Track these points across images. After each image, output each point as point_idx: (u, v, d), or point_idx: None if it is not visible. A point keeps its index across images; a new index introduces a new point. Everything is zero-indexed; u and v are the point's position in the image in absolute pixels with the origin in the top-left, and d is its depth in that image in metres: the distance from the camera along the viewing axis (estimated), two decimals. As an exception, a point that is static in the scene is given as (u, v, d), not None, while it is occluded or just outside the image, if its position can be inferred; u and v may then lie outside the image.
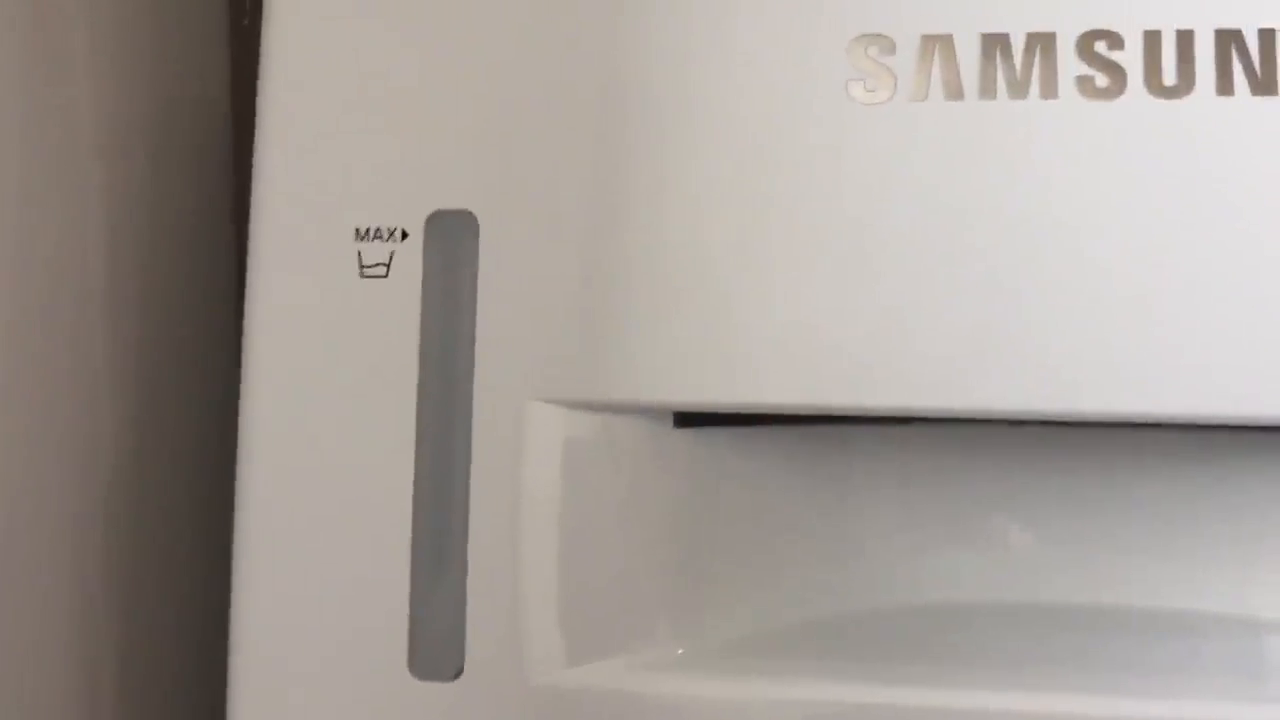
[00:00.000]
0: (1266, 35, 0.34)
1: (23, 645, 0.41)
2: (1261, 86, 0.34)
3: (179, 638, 0.48)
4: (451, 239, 0.37)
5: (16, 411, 0.41)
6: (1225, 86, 0.34)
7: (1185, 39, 0.35)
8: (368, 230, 0.37)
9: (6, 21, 0.40)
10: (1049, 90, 0.35)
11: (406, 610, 0.36)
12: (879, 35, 0.36)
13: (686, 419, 0.38)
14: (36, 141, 0.41)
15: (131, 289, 0.45)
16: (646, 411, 0.37)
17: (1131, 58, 0.35)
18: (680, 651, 0.38)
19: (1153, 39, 0.35)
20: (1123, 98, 0.35)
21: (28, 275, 0.41)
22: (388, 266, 0.37)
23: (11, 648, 0.40)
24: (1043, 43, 0.35)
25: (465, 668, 0.36)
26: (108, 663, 0.45)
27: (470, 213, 0.37)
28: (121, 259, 0.45)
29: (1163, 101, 0.35)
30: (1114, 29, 0.35)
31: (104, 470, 0.44)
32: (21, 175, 0.41)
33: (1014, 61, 0.35)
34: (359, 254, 0.37)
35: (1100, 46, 0.35)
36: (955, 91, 0.35)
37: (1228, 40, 0.35)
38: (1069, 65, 0.35)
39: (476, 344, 0.36)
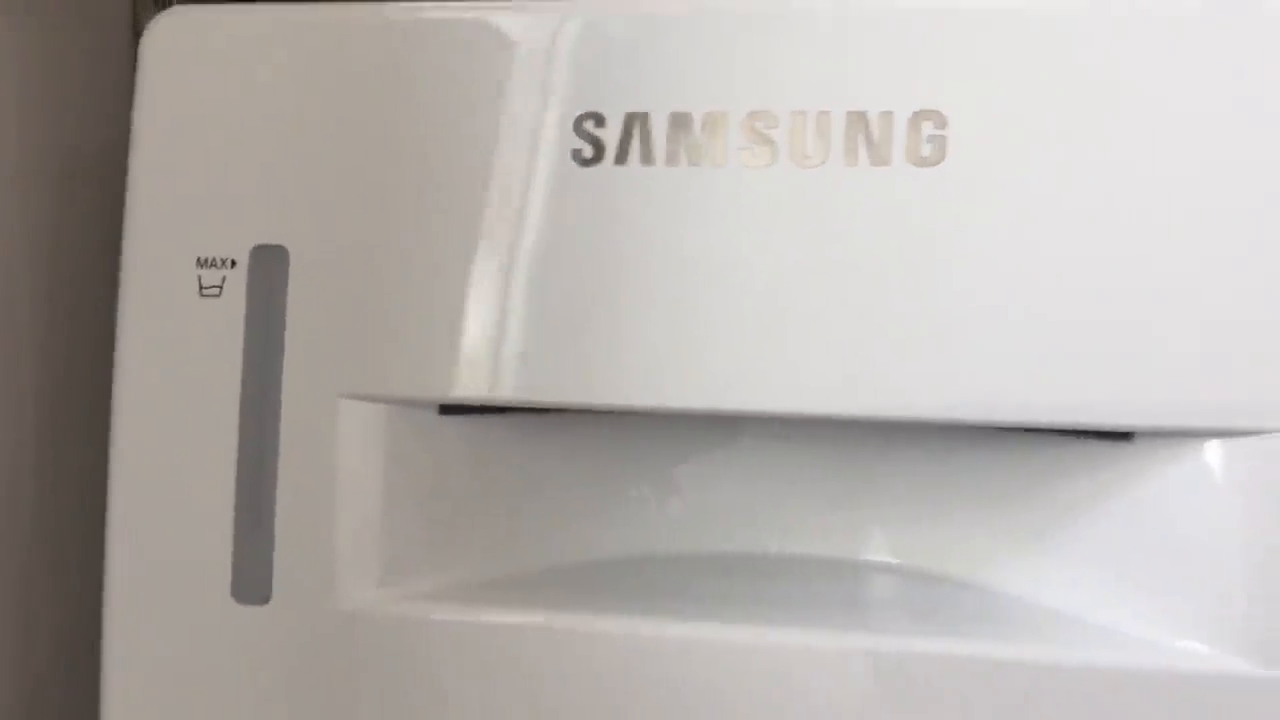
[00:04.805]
0: (885, 116, 0.44)
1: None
2: (879, 159, 0.43)
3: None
4: (270, 267, 0.47)
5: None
6: (851, 159, 0.44)
7: (823, 119, 0.44)
8: (207, 259, 0.48)
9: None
10: (719, 159, 0.45)
11: (231, 545, 0.47)
12: (594, 112, 0.45)
13: (449, 409, 0.49)
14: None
15: (37, 308, 0.57)
16: (416, 403, 0.48)
17: (781, 134, 0.44)
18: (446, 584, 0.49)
19: (798, 118, 0.44)
20: (773, 167, 0.44)
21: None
22: (220, 288, 0.48)
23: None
24: (717, 120, 0.45)
25: (274, 594, 0.47)
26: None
27: (283, 247, 0.47)
28: (25, 284, 0.56)
29: (804, 171, 0.44)
30: (770, 109, 0.44)
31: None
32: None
33: (695, 135, 0.45)
34: (199, 278, 0.48)
35: (759, 124, 0.44)
36: (649, 158, 0.45)
37: (857, 120, 0.44)
38: (735, 139, 0.45)
39: (285, 352, 0.47)
